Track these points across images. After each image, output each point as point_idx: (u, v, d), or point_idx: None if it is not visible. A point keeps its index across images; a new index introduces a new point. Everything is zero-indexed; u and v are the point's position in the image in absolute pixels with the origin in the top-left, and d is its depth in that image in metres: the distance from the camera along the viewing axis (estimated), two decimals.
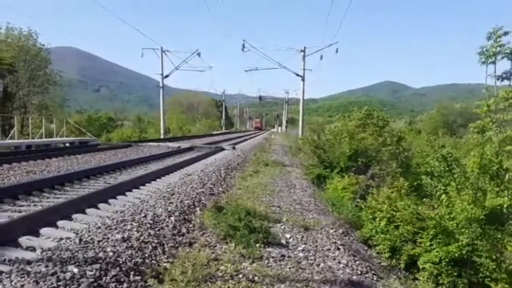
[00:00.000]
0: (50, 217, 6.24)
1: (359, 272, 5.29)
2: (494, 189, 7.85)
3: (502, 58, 7.49)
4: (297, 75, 41.01)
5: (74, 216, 6.72)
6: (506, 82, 7.64)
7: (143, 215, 6.53)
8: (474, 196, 7.41)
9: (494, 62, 7.58)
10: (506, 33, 7.47)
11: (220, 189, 10.32)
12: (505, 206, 7.22)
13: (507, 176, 7.85)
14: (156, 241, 5.50)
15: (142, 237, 5.45)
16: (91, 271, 4.09)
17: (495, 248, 6.88)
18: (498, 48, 7.49)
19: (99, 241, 5.04)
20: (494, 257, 6.72)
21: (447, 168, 8.19)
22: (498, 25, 7.68)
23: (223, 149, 22.95)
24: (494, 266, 6.58)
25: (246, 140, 39.53)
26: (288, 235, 6.52)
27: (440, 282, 6.62)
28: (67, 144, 24.75)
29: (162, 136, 42.60)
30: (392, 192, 9.29)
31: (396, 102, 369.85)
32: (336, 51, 38.21)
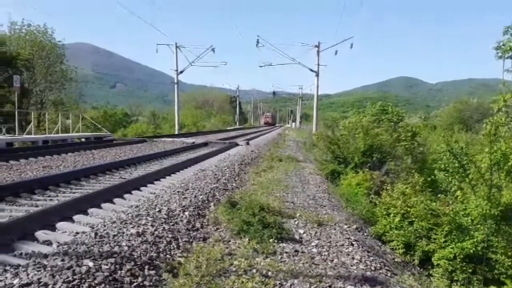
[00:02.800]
0: (66, 212, 6.31)
1: (372, 268, 5.27)
2: (509, 185, 7.77)
3: None
4: (311, 70, 40.83)
5: (90, 210, 6.78)
6: None
7: (157, 210, 6.57)
8: (488, 192, 7.34)
9: (511, 57, 7.49)
10: None
11: (234, 184, 10.34)
12: None
13: None
14: (170, 235, 5.54)
15: (156, 232, 5.48)
16: (106, 265, 4.13)
17: (511, 244, 6.82)
18: None
19: (114, 236, 5.08)
20: (510, 253, 6.66)
21: (459, 165, 8.13)
22: None
23: (237, 145, 22.97)
24: (510, 263, 6.52)
25: (260, 135, 39.52)
26: (301, 231, 6.51)
27: (455, 278, 6.58)
28: (83, 140, 24.96)
29: (176, 132, 42.78)
30: (406, 188, 9.22)
31: (411, 98, 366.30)
32: (351, 47, 37.88)
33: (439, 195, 8.97)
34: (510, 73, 7.53)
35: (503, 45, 7.49)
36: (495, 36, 7.66)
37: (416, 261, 7.43)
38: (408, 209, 8.23)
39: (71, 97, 45.59)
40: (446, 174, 8.99)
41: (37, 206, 7.01)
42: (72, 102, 45.56)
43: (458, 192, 7.70)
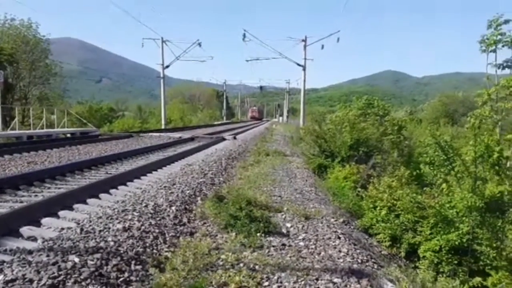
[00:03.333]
0: (51, 207, 6.28)
1: (359, 261, 5.30)
2: (494, 177, 7.85)
3: (503, 46, 7.45)
4: (298, 64, 40.92)
5: (75, 206, 6.76)
6: (507, 71, 7.62)
7: (144, 205, 6.55)
8: (473, 185, 7.42)
9: (494, 51, 7.55)
10: (506, 22, 7.44)
11: (221, 179, 10.33)
12: (505, 194, 7.22)
13: (508, 164, 7.86)
14: (157, 230, 5.52)
15: (143, 227, 5.47)
16: (92, 260, 4.11)
17: (496, 236, 6.90)
18: (499, 37, 7.45)
19: (100, 231, 5.05)
20: (494, 245, 6.73)
21: (445, 157, 8.19)
22: (499, 13, 7.65)
23: (224, 139, 22.95)
24: (495, 254, 6.60)
25: (247, 130, 39.52)
26: (289, 224, 6.53)
27: (441, 270, 6.64)
28: (68, 135, 24.75)
29: (163, 127, 42.64)
30: (393, 181, 9.28)
31: (398, 92, 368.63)
32: (338, 41, 38.00)
33: (425, 188, 9.04)
34: (494, 67, 7.59)
35: (487, 39, 7.55)
36: (481, 30, 7.72)
37: (403, 254, 7.48)
38: (395, 202, 8.29)
39: (56, 92, 45.23)
40: (432, 168, 9.06)
41: (21, 202, 6.95)
42: (57, 97, 45.18)
43: (444, 185, 7.76)
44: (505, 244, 6.81)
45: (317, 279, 4.43)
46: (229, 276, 4.28)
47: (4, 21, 38.35)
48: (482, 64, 7.89)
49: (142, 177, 9.77)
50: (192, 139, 23.19)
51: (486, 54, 7.68)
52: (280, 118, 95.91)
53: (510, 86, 7.41)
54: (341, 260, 5.15)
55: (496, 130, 7.69)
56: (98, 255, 4.24)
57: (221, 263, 4.67)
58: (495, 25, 7.50)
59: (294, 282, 4.33)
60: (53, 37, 44.12)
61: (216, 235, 5.78)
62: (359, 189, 10.74)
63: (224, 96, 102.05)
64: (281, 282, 4.33)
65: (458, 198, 7.28)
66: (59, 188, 8.29)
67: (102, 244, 4.60)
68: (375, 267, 5.38)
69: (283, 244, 5.57)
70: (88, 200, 7.17)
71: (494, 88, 7.67)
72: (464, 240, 6.74)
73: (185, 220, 6.40)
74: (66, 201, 6.72)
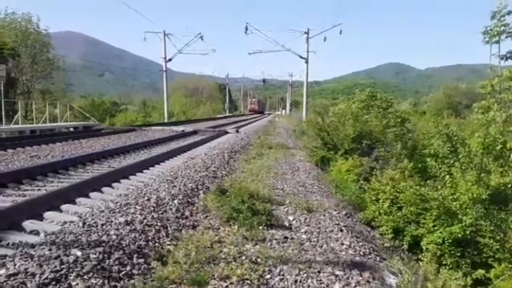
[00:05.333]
0: (54, 201, 6.29)
1: (362, 253, 5.31)
2: (498, 169, 7.83)
3: (506, 37, 7.41)
4: (301, 57, 40.82)
5: (77, 200, 6.76)
6: (510, 62, 7.58)
7: (146, 198, 6.55)
8: (478, 177, 7.40)
9: (498, 42, 7.51)
10: (510, 12, 7.39)
11: (224, 172, 10.33)
12: (509, 186, 7.20)
13: (511, 157, 7.82)
14: (159, 224, 5.53)
15: (145, 220, 5.48)
16: (95, 254, 4.12)
17: (499, 228, 6.88)
18: (502, 27, 7.41)
19: (102, 225, 5.06)
20: (497, 237, 6.71)
21: (452, 149, 8.17)
22: (503, 4, 7.60)
23: (226, 133, 22.94)
24: (498, 246, 6.58)
25: (250, 123, 39.50)
26: (291, 217, 6.53)
27: (443, 262, 6.63)
28: (71, 129, 24.83)
29: (166, 120, 42.64)
30: (396, 174, 9.27)
31: (401, 84, 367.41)
32: (340, 33, 37.91)
33: (428, 181, 9.02)
34: (497, 58, 7.56)
35: (490, 29, 7.51)
36: (482, 22, 7.68)
37: (405, 246, 7.48)
38: (397, 194, 8.28)
39: (59, 86, 45.34)
40: (436, 160, 9.03)
41: (24, 196, 6.97)
42: (60, 91, 45.32)
43: (447, 177, 7.74)
44: (508, 236, 6.78)
45: (319, 272, 4.44)
46: (231, 269, 4.29)
47: (5, 16, 38.38)
48: (483, 56, 7.85)
49: (144, 171, 9.78)
50: (195, 132, 23.19)
51: (490, 45, 7.65)
52: (283, 111, 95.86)
53: None
54: (344, 253, 5.15)
55: (499, 121, 7.65)
56: (100, 249, 4.25)
57: (223, 256, 4.68)
58: (499, 16, 7.46)
59: (296, 275, 4.34)
60: (54, 31, 44.18)
61: (219, 228, 5.79)
62: (362, 182, 10.74)
63: (227, 90, 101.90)
64: (283, 275, 4.33)
65: (462, 190, 7.26)
66: (62, 182, 8.30)
67: (104, 237, 4.61)
68: (378, 259, 5.39)
69: (285, 237, 5.57)
70: (91, 194, 7.18)
71: (497, 79, 7.63)
72: (467, 232, 6.72)
73: (187, 213, 6.41)
74: (68, 195, 6.72)
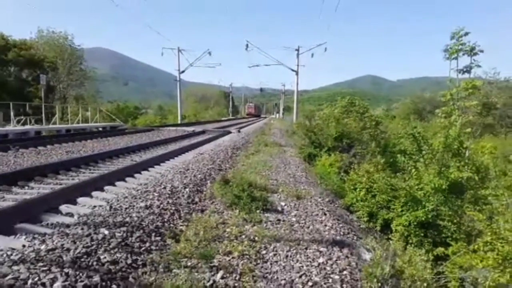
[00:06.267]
0: (85, 189, 6.29)
1: (341, 233, 5.32)
2: (456, 164, 7.86)
3: (463, 54, 7.44)
4: (292, 70, 40.76)
5: (105, 187, 6.76)
6: (466, 75, 7.61)
7: (163, 187, 6.56)
8: (439, 170, 7.42)
9: (456, 58, 7.54)
10: (466, 34, 7.43)
11: (227, 165, 10.33)
12: (465, 178, 7.23)
13: (467, 153, 7.86)
14: (173, 208, 5.54)
15: (162, 205, 5.49)
16: (119, 233, 4.13)
17: (456, 213, 6.90)
18: (460, 46, 7.44)
19: (126, 208, 5.08)
20: (455, 220, 6.74)
21: (417, 147, 8.20)
22: (460, 26, 7.65)
23: (230, 133, 22.90)
24: (455, 228, 6.61)
25: (249, 125, 39.44)
26: (283, 203, 6.54)
27: (410, 241, 6.66)
28: (100, 129, 24.79)
29: (179, 122, 42.60)
30: (370, 167, 9.29)
31: (376, 93, 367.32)
32: (325, 50, 37.85)
33: (397, 173, 9.04)
34: (456, 72, 7.59)
35: (450, 48, 7.55)
36: (446, 39, 7.73)
37: (378, 228, 7.51)
38: (372, 184, 8.31)
39: (90, 93, 45.57)
40: (404, 156, 9.06)
41: (61, 184, 6.97)
42: (91, 97, 45.56)
43: (413, 171, 7.77)
44: (463, 219, 6.81)
45: (306, 248, 4.45)
46: (233, 246, 4.31)
47: (46, 34, 38.46)
48: (446, 70, 7.90)
49: (161, 164, 9.77)
50: (203, 132, 23.14)
51: (449, 61, 7.68)
52: (277, 115, 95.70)
53: (468, 88, 7.41)
54: (327, 233, 5.16)
55: (457, 124, 7.68)
56: (124, 228, 4.26)
57: (226, 235, 4.69)
58: (457, 36, 7.48)
59: (287, 251, 4.35)
60: (87, 47, 44.21)
61: (223, 212, 5.80)
62: (342, 174, 10.75)
63: (230, 97, 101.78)
64: (276, 251, 4.35)
65: (426, 181, 7.28)
66: (92, 173, 8.29)
67: (127, 219, 4.62)
68: (355, 238, 5.40)
69: (278, 220, 5.58)
70: (116, 183, 7.17)
71: (455, 89, 7.66)
72: (430, 216, 6.76)
73: (197, 199, 6.41)
74: (98, 184, 6.72)
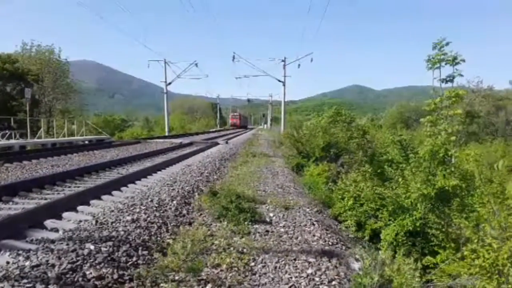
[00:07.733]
0: (71, 203, 6.20)
1: (330, 243, 5.32)
2: (442, 172, 7.93)
3: (446, 64, 7.55)
4: (279, 81, 40.95)
5: (91, 202, 6.69)
6: (449, 84, 7.72)
7: (150, 200, 6.51)
8: (426, 178, 7.47)
9: (439, 68, 7.65)
10: (447, 44, 7.57)
11: (215, 177, 10.30)
12: (451, 186, 7.29)
13: (453, 160, 7.93)
14: (160, 221, 5.49)
15: (149, 218, 5.43)
16: (106, 247, 4.07)
17: (444, 221, 6.94)
18: (442, 56, 7.55)
19: (112, 222, 5.02)
20: (442, 229, 6.78)
21: (404, 156, 8.27)
22: (442, 37, 7.79)
23: (217, 144, 22.88)
24: (443, 236, 6.64)
25: (237, 136, 39.49)
26: (271, 214, 6.53)
27: (398, 250, 6.68)
28: (86, 142, 24.54)
29: (166, 134, 42.43)
30: (358, 177, 9.33)
31: (362, 103, 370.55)
32: (311, 61, 38.12)
33: (385, 182, 9.09)
34: (439, 81, 7.70)
35: (433, 58, 7.67)
36: (428, 50, 7.85)
37: (366, 237, 7.51)
38: (359, 193, 8.33)
39: (76, 106, 45.24)
40: (391, 165, 9.12)
41: (46, 199, 6.87)
42: (77, 110, 45.20)
43: (400, 179, 7.81)
44: (451, 227, 6.85)
45: (295, 259, 4.44)
46: (222, 258, 4.28)
47: (31, 47, 38.27)
48: (430, 79, 8.00)
49: (148, 177, 9.69)
50: (191, 143, 23.07)
51: (432, 71, 7.79)
52: (265, 125, 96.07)
53: (452, 97, 7.52)
54: (315, 243, 5.16)
55: (442, 133, 7.76)
56: (110, 243, 4.21)
57: (214, 247, 4.66)
58: (439, 46, 7.60)
59: (276, 262, 4.33)
60: (72, 60, 43.91)
61: (211, 224, 5.77)
62: (330, 184, 10.78)
63: (218, 108, 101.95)
64: (265, 263, 4.33)
65: (413, 190, 7.33)
66: (78, 187, 8.19)
67: (114, 233, 4.56)
68: (344, 248, 5.40)
69: (267, 231, 5.57)
70: (103, 197, 7.09)
71: (439, 99, 7.77)
72: (417, 225, 6.79)
73: (184, 212, 6.37)
74: (83, 198, 6.64)
